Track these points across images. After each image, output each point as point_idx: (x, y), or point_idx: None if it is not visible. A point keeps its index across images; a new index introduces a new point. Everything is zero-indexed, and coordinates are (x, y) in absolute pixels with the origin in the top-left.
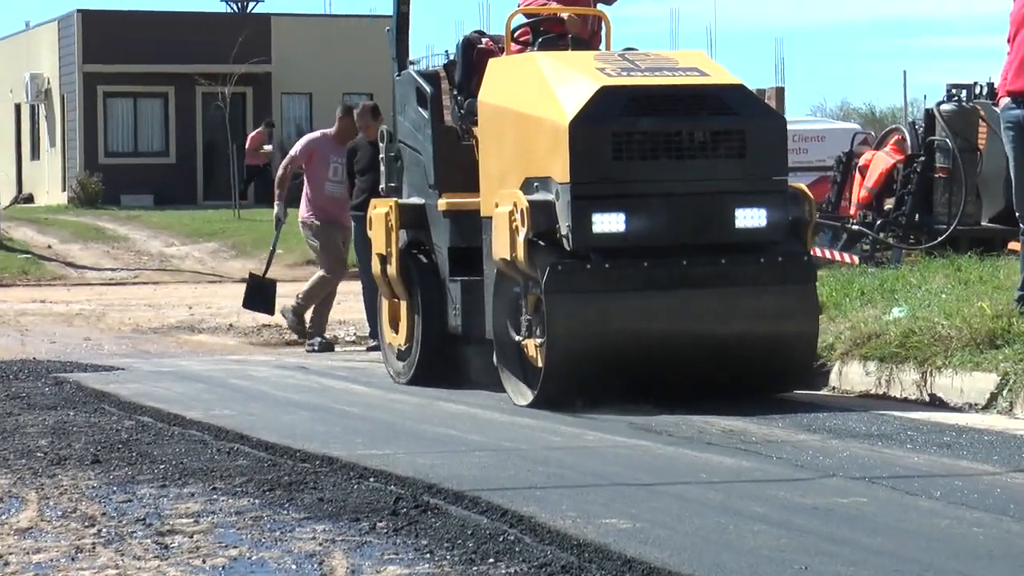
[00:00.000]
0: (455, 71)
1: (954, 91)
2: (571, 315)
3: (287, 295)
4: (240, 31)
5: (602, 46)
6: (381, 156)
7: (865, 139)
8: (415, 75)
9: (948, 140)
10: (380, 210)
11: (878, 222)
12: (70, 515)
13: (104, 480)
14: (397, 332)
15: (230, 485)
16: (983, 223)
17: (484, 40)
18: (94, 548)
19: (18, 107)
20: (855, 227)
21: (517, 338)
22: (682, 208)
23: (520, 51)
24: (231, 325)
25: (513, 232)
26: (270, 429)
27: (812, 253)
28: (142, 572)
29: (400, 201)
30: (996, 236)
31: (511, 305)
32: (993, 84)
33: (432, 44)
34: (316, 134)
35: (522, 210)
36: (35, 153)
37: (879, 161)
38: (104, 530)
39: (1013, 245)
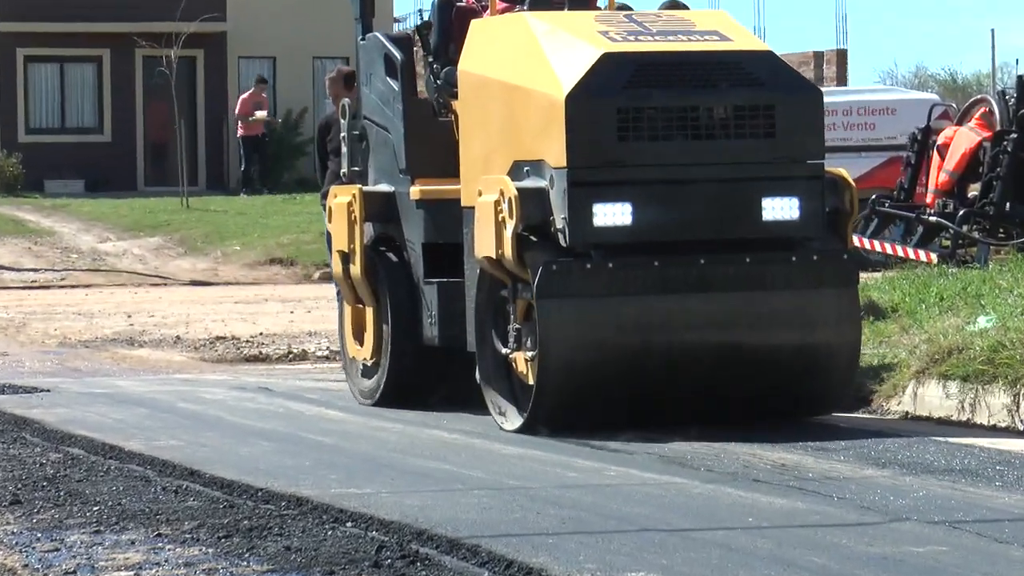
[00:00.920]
0: (430, 34)
1: None
2: (568, 324)
3: (248, 300)
4: None
5: (603, 3)
6: (343, 135)
7: (945, 112)
8: (383, 39)
9: None
10: (341, 199)
11: (960, 212)
12: None
13: (26, 525)
14: (362, 344)
15: (178, 531)
16: None
17: None
18: None
19: None
20: (932, 218)
21: (504, 351)
22: (699, 197)
23: (508, 10)
24: (178, 337)
25: (499, 225)
26: (226, 463)
27: (853, 248)
28: None
29: (365, 189)
30: None
31: (497, 312)
32: None
33: (423, 1)
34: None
35: (510, 199)
36: None
37: (962, 139)
38: None
39: None
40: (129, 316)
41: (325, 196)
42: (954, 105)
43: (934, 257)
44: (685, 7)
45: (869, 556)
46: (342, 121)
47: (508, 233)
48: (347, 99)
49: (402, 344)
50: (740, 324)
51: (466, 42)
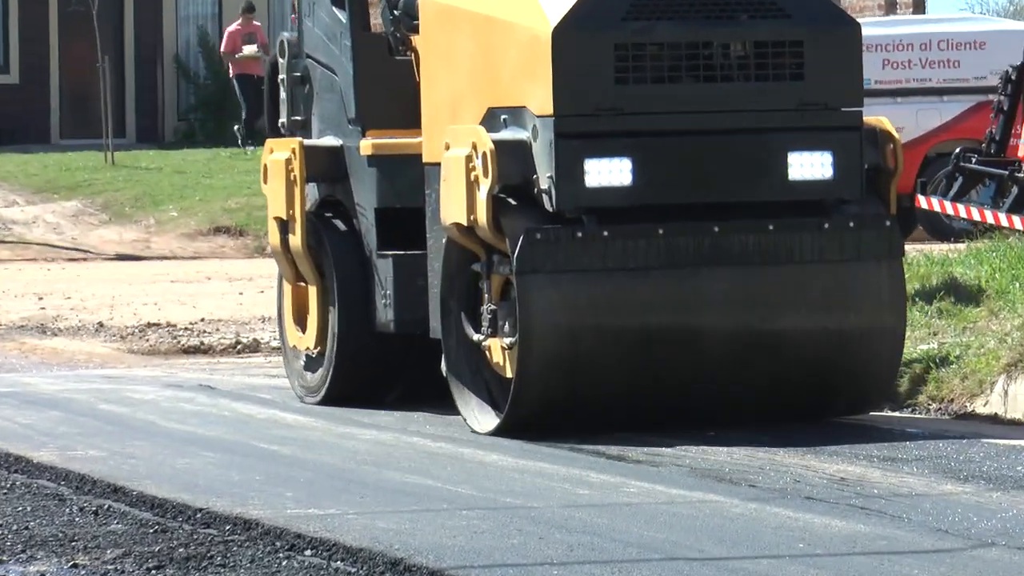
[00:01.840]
0: None
1: None
2: (554, 304)
3: (188, 279)
4: None
5: None
6: (281, 77)
7: None
8: None
9: None
10: (279, 155)
11: None
12: None
13: None
14: (304, 331)
15: (98, 561)
16: None
17: None
18: None
19: None
20: None
21: (476, 337)
22: (713, 152)
23: None
24: (101, 324)
25: (471, 186)
26: (159, 478)
27: (895, 215)
28: None
29: (307, 142)
30: None
31: (468, 291)
32: None
33: None
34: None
35: (484, 154)
36: None
37: None
38: None
39: None
40: (40, 298)
41: None
42: None
43: None
44: None
45: None
46: (280, 60)
47: (482, 195)
48: (286, 34)
49: (352, 330)
50: (761, 305)
51: None
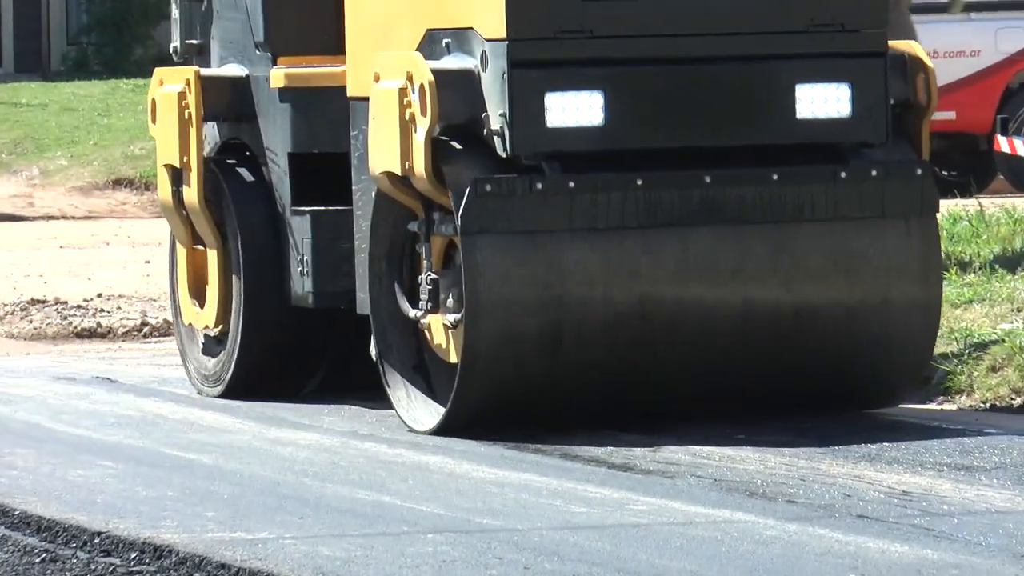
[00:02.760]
0: None
1: None
2: (508, 273)
3: (81, 244)
4: None
5: None
6: None
7: None
8: None
9: None
10: (170, 87)
11: None
12: None
13: None
14: (202, 306)
15: None
16: None
17: None
18: None
19: None
20: None
21: (413, 314)
22: (703, 85)
23: None
24: None
25: (406, 126)
26: (46, 494)
27: (928, 161)
28: None
29: (205, 72)
30: None
31: (402, 256)
32: None
33: None
34: None
35: (422, 87)
36: None
37: None
38: None
39: None
40: None
41: None
42: None
43: None
44: None
45: None
46: None
47: (419, 138)
48: None
49: (260, 305)
50: (763, 272)
51: None
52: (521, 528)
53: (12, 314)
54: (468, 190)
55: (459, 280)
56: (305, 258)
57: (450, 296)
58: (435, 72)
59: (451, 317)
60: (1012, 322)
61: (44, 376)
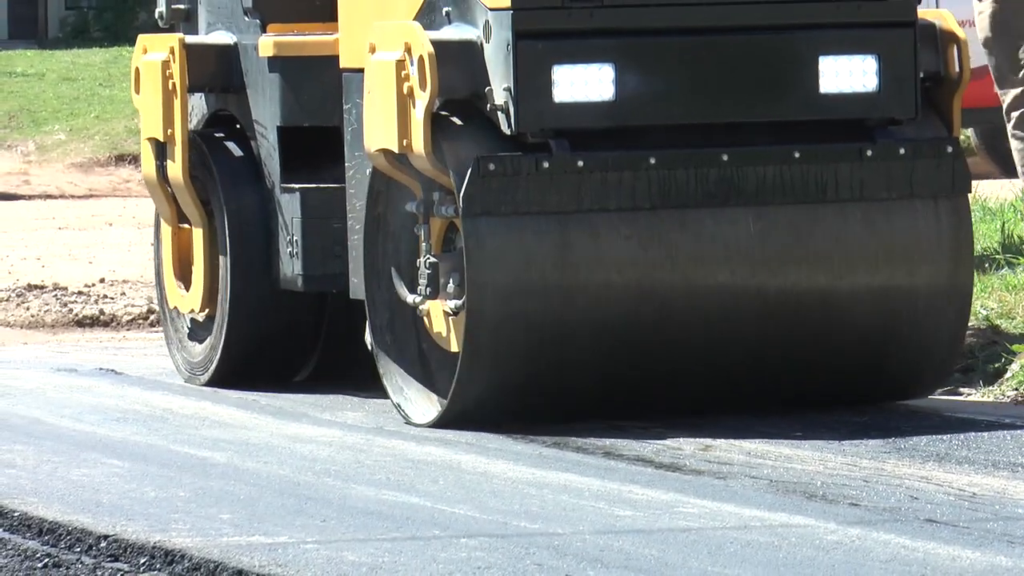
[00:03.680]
0: None
1: None
2: (513, 257)
3: (82, 225)
4: None
5: None
6: None
7: None
8: None
9: None
10: (153, 56)
11: None
12: None
13: None
14: (188, 288)
15: None
16: None
17: None
18: None
19: None
20: None
21: (410, 299)
22: (720, 57)
23: None
24: None
25: (404, 101)
26: (48, 494)
27: (960, 138)
28: None
29: (191, 39)
30: None
31: (399, 238)
32: None
33: None
34: None
35: (421, 59)
36: None
37: None
38: None
39: None
40: None
41: None
42: None
43: None
44: None
45: None
46: None
47: (417, 113)
48: None
49: (247, 287)
50: (784, 256)
51: None
52: (562, 532)
53: (7, 300)
54: (470, 169)
55: (460, 264)
56: (295, 239)
57: (451, 281)
58: (435, 43)
59: (451, 303)
60: None
61: (43, 368)
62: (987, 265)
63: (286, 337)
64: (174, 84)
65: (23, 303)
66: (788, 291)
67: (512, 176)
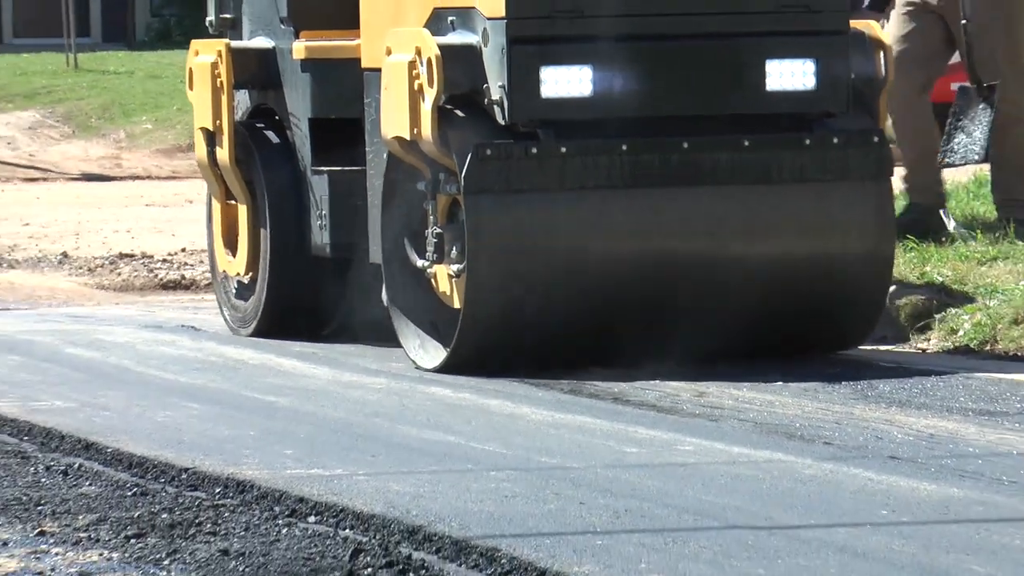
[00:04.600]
0: None
1: None
2: (506, 227)
3: (166, 202)
4: None
5: None
6: None
7: None
8: None
9: None
10: (204, 58)
11: None
12: None
13: None
14: (235, 255)
15: (68, 528)
16: None
17: None
18: None
19: None
20: None
21: (420, 263)
22: (683, 59)
23: None
24: (65, 255)
25: (415, 95)
26: (136, 433)
27: (883, 130)
28: None
29: (235, 44)
30: None
31: (411, 212)
32: None
33: None
34: None
35: (429, 60)
36: None
37: None
38: None
39: None
40: None
41: None
42: None
43: None
44: None
45: None
46: None
47: (426, 106)
48: None
49: (284, 254)
50: (736, 229)
51: None
52: (577, 466)
53: (102, 267)
54: (470, 154)
55: (462, 234)
56: (323, 213)
57: (454, 248)
58: (441, 47)
59: (455, 267)
60: None
61: (132, 324)
62: (943, 239)
63: (316, 296)
64: (221, 82)
65: (115, 270)
66: (740, 258)
67: (506, 160)
